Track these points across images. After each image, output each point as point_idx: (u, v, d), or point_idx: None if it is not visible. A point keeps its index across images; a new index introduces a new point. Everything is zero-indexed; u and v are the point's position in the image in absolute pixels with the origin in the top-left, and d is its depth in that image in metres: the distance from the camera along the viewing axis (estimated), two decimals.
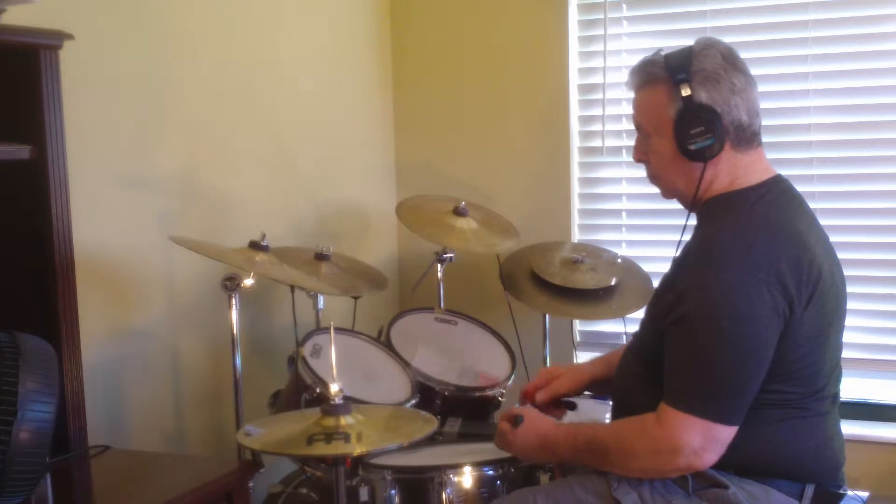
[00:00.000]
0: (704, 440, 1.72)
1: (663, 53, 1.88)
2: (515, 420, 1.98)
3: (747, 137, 1.85)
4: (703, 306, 1.73)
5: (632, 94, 1.94)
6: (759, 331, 1.71)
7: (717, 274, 1.73)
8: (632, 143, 2.01)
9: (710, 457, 1.73)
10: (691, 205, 1.91)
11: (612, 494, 1.82)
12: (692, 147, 1.82)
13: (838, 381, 1.90)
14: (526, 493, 1.94)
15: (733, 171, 1.86)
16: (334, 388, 1.85)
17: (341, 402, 1.84)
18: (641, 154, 1.95)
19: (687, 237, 1.93)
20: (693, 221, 1.94)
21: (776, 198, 1.84)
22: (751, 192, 1.84)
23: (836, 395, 1.89)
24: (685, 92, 1.81)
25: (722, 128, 1.81)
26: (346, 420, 1.82)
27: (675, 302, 1.77)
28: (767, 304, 1.70)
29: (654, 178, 1.96)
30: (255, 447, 1.88)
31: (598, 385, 2.18)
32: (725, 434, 1.73)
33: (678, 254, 1.91)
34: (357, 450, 1.77)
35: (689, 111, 1.81)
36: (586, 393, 2.62)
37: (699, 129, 1.81)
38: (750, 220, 1.78)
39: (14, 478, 1.70)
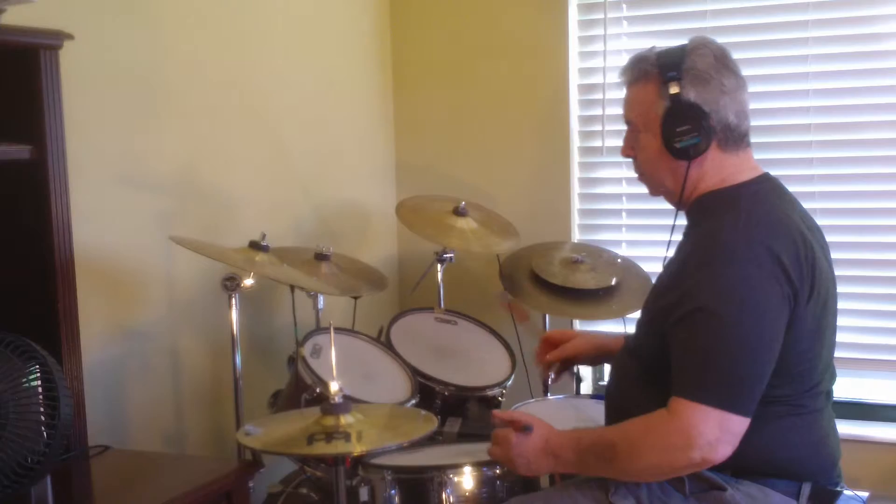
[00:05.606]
0: (720, 431, 1.68)
1: (656, 50, 1.89)
2: (524, 428, 1.87)
3: (735, 139, 1.86)
4: (714, 300, 1.72)
5: (623, 90, 1.94)
6: (771, 321, 1.71)
7: (725, 268, 1.73)
8: None
9: (725, 449, 1.69)
10: (678, 203, 1.92)
11: (609, 499, 1.81)
12: (678, 145, 1.83)
13: (833, 377, 1.90)
14: (524, 500, 1.93)
15: (721, 171, 1.86)
16: (334, 387, 1.85)
17: (341, 401, 1.84)
18: (629, 149, 1.96)
19: (676, 237, 1.93)
20: (682, 221, 1.95)
21: (769, 194, 1.86)
22: (743, 189, 1.85)
23: (830, 391, 1.90)
24: (674, 90, 1.82)
25: (709, 127, 1.82)
26: (345, 419, 1.82)
27: (679, 300, 1.76)
28: (777, 295, 1.71)
29: (641, 174, 1.96)
30: (255, 447, 1.89)
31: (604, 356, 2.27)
32: (740, 426, 1.70)
33: (670, 254, 1.91)
34: (357, 449, 1.77)
35: (677, 109, 1.82)
36: (585, 393, 2.61)
37: (686, 128, 1.81)
38: (750, 215, 1.78)
39: None
